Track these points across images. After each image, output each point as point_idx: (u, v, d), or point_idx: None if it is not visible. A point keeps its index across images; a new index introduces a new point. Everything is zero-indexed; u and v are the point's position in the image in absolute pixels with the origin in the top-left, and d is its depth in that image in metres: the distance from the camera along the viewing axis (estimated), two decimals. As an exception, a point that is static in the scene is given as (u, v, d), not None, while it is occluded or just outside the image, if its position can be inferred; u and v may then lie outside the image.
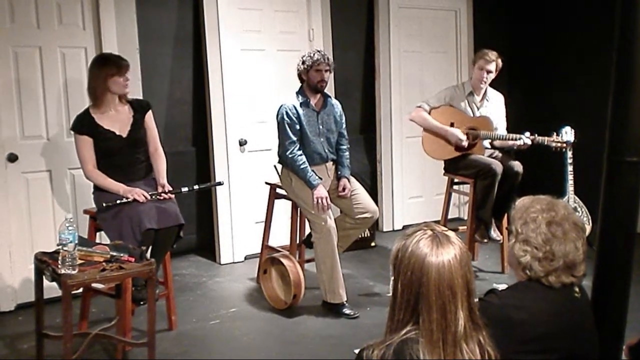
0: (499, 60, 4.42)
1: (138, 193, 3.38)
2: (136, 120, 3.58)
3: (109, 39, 4.26)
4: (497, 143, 4.52)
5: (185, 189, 3.65)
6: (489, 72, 4.41)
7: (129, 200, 3.36)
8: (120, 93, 3.52)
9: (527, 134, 4.33)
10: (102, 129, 3.47)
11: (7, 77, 3.92)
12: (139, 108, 3.62)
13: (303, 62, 3.96)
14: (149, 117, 3.65)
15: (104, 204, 3.36)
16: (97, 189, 3.52)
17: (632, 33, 1.95)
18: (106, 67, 3.47)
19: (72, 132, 3.56)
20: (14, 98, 3.96)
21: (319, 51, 4.01)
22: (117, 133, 3.50)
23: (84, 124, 3.48)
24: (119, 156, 3.52)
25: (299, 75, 4.01)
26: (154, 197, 3.44)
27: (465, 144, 4.41)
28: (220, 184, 4.16)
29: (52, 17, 4.06)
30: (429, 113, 4.53)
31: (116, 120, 3.53)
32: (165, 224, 3.40)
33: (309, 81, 3.97)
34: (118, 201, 3.35)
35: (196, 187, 3.83)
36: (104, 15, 4.23)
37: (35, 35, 4.01)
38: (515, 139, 4.34)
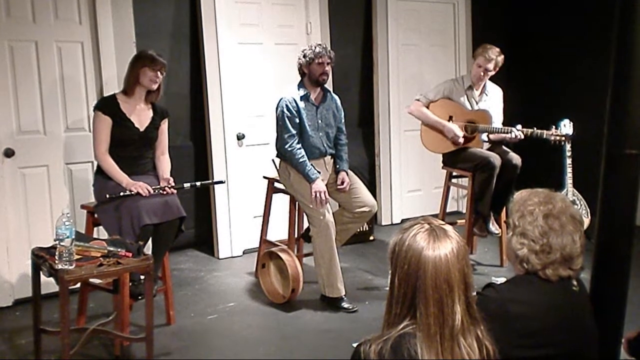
0: (500, 58, 4.36)
1: (142, 187, 3.41)
2: (154, 121, 3.68)
3: (106, 33, 4.24)
4: (491, 136, 4.50)
5: (187, 185, 3.71)
6: (487, 70, 4.38)
7: (132, 193, 3.37)
8: (148, 87, 3.58)
9: (519, 126, 4.30)
10: (124, 115, 3.56)
11: (2, 71, 3.90)
12: (159, 112, 3.73)
13: (304, 56, 3.93)
14: (165, 124, 3.77)
15: (107, 196, 3.37)
16: (99, 180, 3.54)
17: (631, 25, 1.94)
18: (142, 58, 3.60)
19: (93, 112, 3.60)
20: (10, 93, 3.94)
21: (320, 44, 3.99)
22: (136, 125, 3.58)
23: (108, 105, 3.57)
24: (131, 148, 3.59)
25: (300, 69, 3.98)
26: (156, 191, 3.46)
27: (461, 140, 4.39)
28: (221, 182, 4.19)
29: (48, 11, 4.03)
30: (428, 106, 4.51)
31: (137, 113, 3.62)
32: (168, 217, 3.43)
33: (310, 74, 3.94)
34: (122, 193, 3.37)
35: (198, 183, 3.89)
36: (100, 10, 4.21)
37: (31, 29, 3.99)
38: (507, 132, 4.31)
